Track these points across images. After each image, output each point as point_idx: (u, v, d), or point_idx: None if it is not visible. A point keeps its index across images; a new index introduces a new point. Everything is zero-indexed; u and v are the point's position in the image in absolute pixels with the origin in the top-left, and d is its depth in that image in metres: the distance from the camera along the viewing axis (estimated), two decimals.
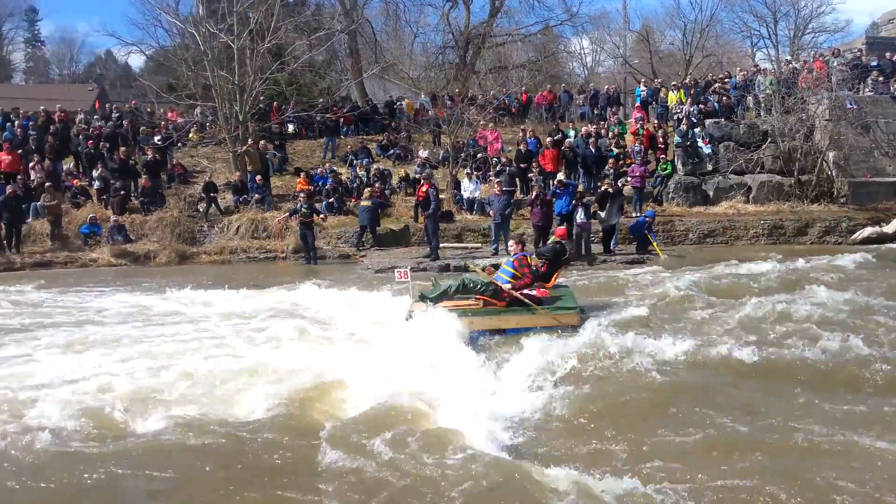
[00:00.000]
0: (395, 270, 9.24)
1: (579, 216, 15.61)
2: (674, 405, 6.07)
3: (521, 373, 7.05)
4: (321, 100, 24.92)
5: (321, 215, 17.65)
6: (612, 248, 16.41)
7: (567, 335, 8.02)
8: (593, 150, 19.66)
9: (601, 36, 42.03)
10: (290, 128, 24.41)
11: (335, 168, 21.24)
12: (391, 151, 22.93)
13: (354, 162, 21.58)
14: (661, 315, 9.45)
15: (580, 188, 16.89)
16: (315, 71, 28.39)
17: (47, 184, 18.56)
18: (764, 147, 20.11)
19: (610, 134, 21.21)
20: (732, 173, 19.90)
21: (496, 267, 9.50)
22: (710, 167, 20.08)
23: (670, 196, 19.69)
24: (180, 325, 9.73)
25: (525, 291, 8.85)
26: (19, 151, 20.28)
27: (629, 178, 18.74)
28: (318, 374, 6.91)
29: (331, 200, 19.38)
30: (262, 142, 21.15)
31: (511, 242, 9.76)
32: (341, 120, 24.53)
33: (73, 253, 17.55)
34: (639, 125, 21.53)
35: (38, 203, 18.42)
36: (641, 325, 8.70)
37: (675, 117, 22.06)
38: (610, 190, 16.24)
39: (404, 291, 10.00)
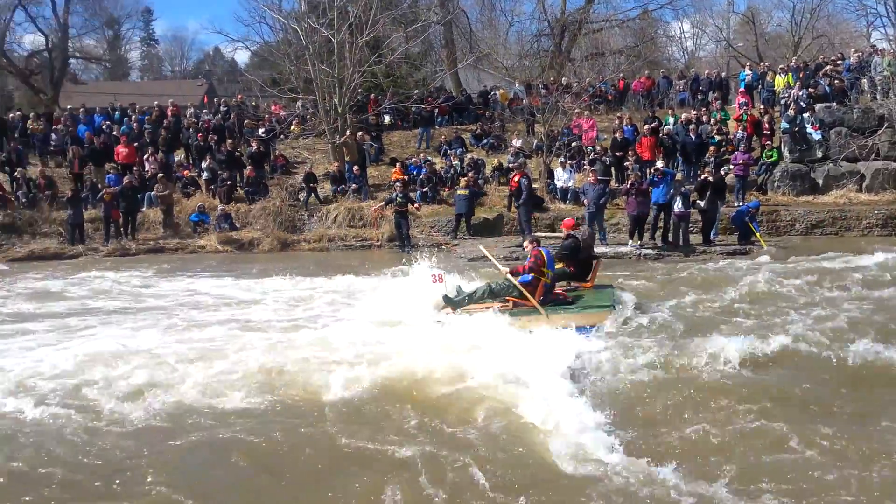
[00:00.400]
0: (431, 274, 9.08)
1: (677, 205, 15.21)
2: (765, 408, 5.79)
3: (598, 365, 6.97)
4: (416, 91, 25.25)
5: (415, 204, 17.93)
6: (711, 238, 15.90)
7: (644, 330, 7.85)
8: (693, 138, 19.04)
9: (703, 19, 40.54)
10: (387, 119, 24.87)
11: (429, 158, 21.51)
12: (485, 141, 22.99)
13: (448, 152, 21.79)
14: (759, 309, 9.08)
15: (678, 177, 16.44)
16: (411, 62, 28.76)
17: (160, 175, 19.70)
18: (880, 132, 18.91)
19: (711, 120, 20.48)
20: (844, 160, 18.84)
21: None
22: (819, 154, 19.07)
23: (776, 185, 18.85)
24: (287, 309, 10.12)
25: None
26: (135, 144, 21.57)
27: (732, 166, 18.07)
28: (396, 362, 7.01)
29: (425, 190, 19.65)
30: (359, 133, 21.67)
31: (525, 242, 9.29)
32: (436, 110, 24.78)
33: (184, 240, 18.56)
34: (742, 111, 20.67)
35: (152, 193, 19.57)
36: (736, 320, 8.42)
37: (783, 102, 21.04)
38: (710, 178, 15.73)
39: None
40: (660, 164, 16.81)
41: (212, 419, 5.86)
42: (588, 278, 9.58)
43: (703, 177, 16.08)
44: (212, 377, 6.70)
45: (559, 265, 9.29)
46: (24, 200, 19.78)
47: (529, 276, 8.58)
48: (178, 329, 8.94)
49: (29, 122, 23.48)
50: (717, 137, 19.36)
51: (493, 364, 6.81)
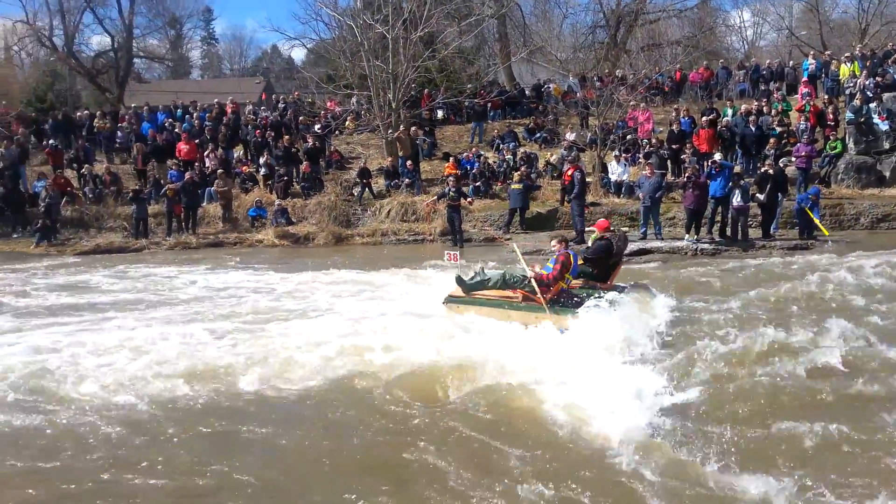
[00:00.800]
0: (445, 252, 9.21)
1: (736, 199, 14.87)
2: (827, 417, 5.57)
3: (663, 365, 6.87)
4: (469, 85, 25.27)
5: (468, 199, 17.98)
6: (771, 232, 15.51)
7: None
8: (753, 129, 18.57)
9: (764, 7, 39.49)
10: (440, 114, 24.98)
11: (482, 152, 21.52)
12: (538, 135, 22.87)
13: (501, 146, 21.76)
14: (818, 308, 8.80)
15: (737, 169, 16.05)
16: (464, 57, 28.80)
17: (220, 171, 20.22)
18: None
19: (772, 111, 19.93)
20: None
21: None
22: (886, 145, 18.36)
23: (840, 177, 18.25)
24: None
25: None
26: (196, 141, 22.18)
27: (794, 158, 17.57)
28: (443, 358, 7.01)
29: (477, 184, 19.68)
30: (412, 128, 21.83)
31: (553, 242, 8.99)
32: (489, 105, 24.76)
33: (242, 234, 19.02)
34: (805, 101, 20.05)
35: (212, 188, 20.10)
36: (793, 318, 8.19)
37: (848, 92, 20.34)
38: (770, 171, 15.33)
39: None
40: (718, 156, 16.45)
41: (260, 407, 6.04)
42: (608, 280, 9.43)
43: (763, 169, 15.68)
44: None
45: (581, 263, 9.16)
46: (90, 196, 20.58)
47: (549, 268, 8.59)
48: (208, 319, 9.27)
49: (95, 120, 24.40)
50: (778, 129, 18.85)
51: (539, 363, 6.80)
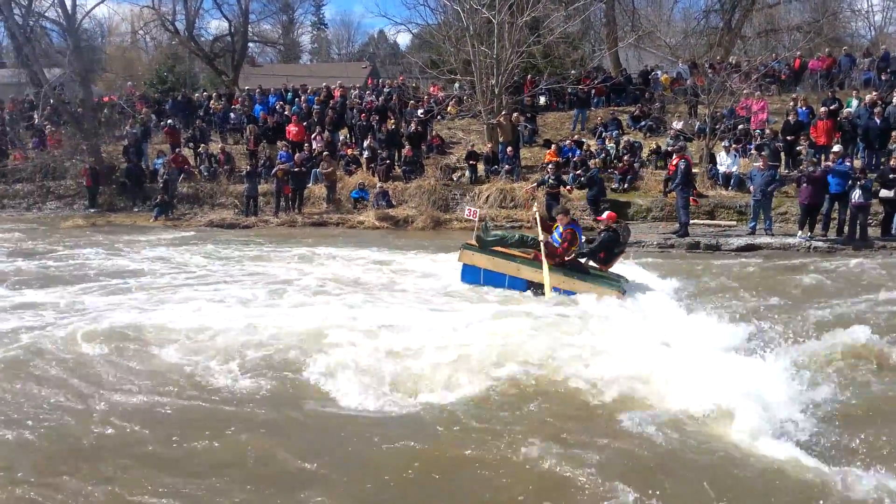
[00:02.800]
0: (466, 208, 10.75)
1: (856, 196, 14.02)
2: None
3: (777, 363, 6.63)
4: (573, 71, 24.85)
5: (567, 186, 17.75)
6: (893, 232, 14.52)
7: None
8: (878, 122, 17.37)
9: None
10: (542, 100, 24.71)
11: (584, 140, 21.16)
12: (643, 123, 22.27)
13: (604, 134, 21.33)
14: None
15: (858, 164, 15.09)
16: (569, 42, 28.30)
17: (325, 153, 20.81)
18: None
19: None
20: None
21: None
22: None
23: None
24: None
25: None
26: (304, 124, 22.91)
27: None
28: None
29: (578, 172, 19.39)
30: (514, 114, 21.71)
31: (560, 215, 10.09)
32: (592, 91, 24.28)
33: (344, 215, 19.53)
34: None
35: (318, 170, 20.72)
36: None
37: None
38: (894, 164, 14.33)
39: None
40: (837, 147, 15.52)
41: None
42: (608, 265, 10.23)
43: (892, 163, 14.65)
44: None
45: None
46: (205, 174, 21.67)
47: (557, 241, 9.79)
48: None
49: (211, 101, 25.60)
50: None
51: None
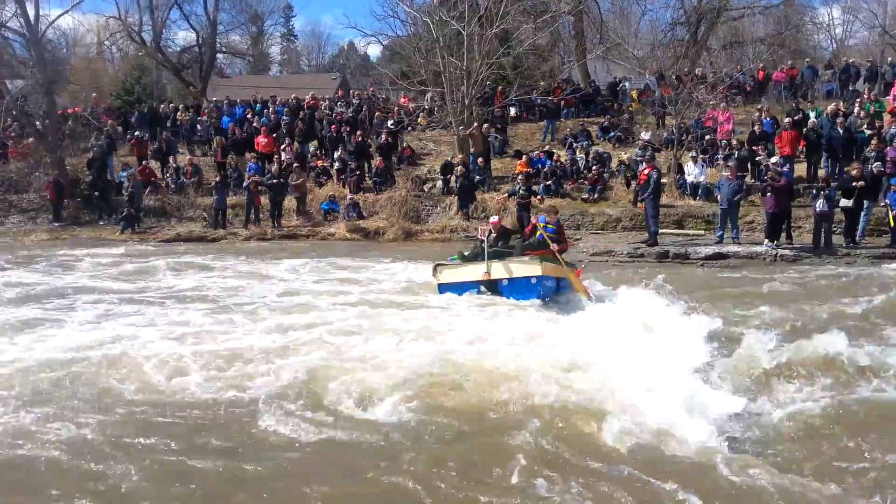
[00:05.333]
0: (478, 228, 10.86)
1: (819, 204, 14.25)
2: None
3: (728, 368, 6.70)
4: (543, 83, 25.01)
5: (538, 197, 17.80)
6: (857, 240, 14.78)
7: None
8: (841, 132, 17.71)
9: (855, 4, 37.68)
10: (512, 111, 24.83)
11: (554, 151, 21.29)
12: (612, 134, 22.48)
13: (574, 144, 21.48)
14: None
15: (822, 174, 15.33)
16: (539, 54, 28.51)
17: (295, 164, 20.64)
18: None
19: (862, 113, 18.98)
20: None
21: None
22: None
23: None
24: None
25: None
26: (274, 135, 22.71)
27: (887, 162, 16.63)
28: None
29: (548, 183, 19.48)
30: (485, 125, 21.77)
31: (547, 215, 10.96)
32: (562, 102, 24.46)
33: (315, 227, 19.38)
34: None
35: (288, 181, 20.54)
36: (866, 334, 7.86)
37: None
38: (853, 173, 14.59)
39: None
40: (774, 159, 15.83)
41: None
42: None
43: (852, 173, 14.92)
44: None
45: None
46: (172, 186, 21.35)
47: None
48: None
49: (179, 113, 25.29)
50: (868, 132, 17.92)
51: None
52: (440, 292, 10.10)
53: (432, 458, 5.05)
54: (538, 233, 10.59)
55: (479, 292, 9.84)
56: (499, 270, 9.74)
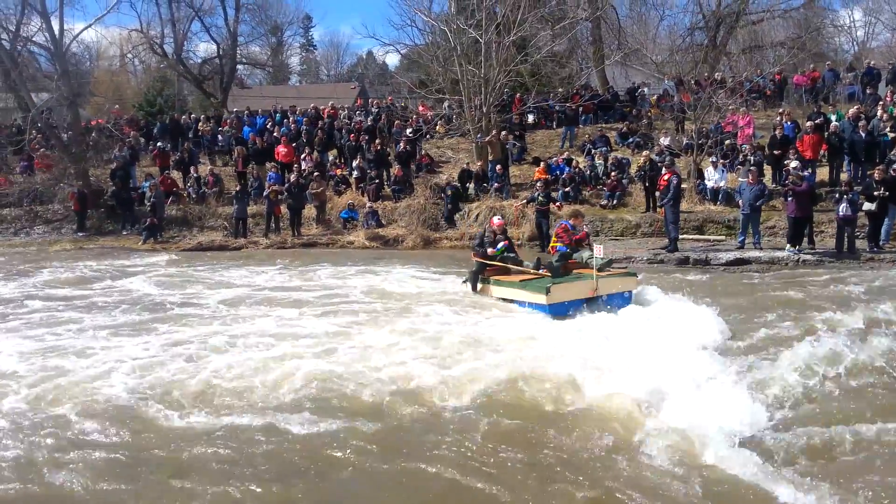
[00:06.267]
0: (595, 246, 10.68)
1: (843, 209, 14.08)
2: None
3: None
4: (561, 89, 25.00)
5: (557, 203, 17.80)
6: (881, 244, 14.57)
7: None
8: (863, 135, 17.49)
9: (877, 6, 37.26)
10: (531, 118, 24.83)
11: (573, 157, 21.26)
12: (630, 140, 22.39)
13: (593, 151, 21.43)
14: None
15: (844, 177, 15.12)
16: (557, 60, 28.50)
17: (315, 173, 20.78)
18: None
19: (885, 116, 18.74)
20: None
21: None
22: None
23: None
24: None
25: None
26: (293, 144, 22.90)
27: None
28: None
29: (567, 189, 19.44)
30: (503, 132, 21.79)
31: (573, 220, 11.35)
32: (580, 109, 24.42)
33: (334, 235, 19.49)
34: None
35: (308, 190, 20.68)
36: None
37: None
38: (877, 177, 14.38)
39: None
40: (794, 164, 15.65)
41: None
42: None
43: (875, 176, 14.72)
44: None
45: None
46: (194, 196, 21.59)
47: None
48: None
49: (200, 124, 25.59)
50: (891, 135, 17.69)
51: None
52: (553, 313, 9.75)
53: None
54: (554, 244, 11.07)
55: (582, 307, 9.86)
56: (604, 286, 10.00)
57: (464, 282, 11.53)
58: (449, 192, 19.74)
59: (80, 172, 22.24)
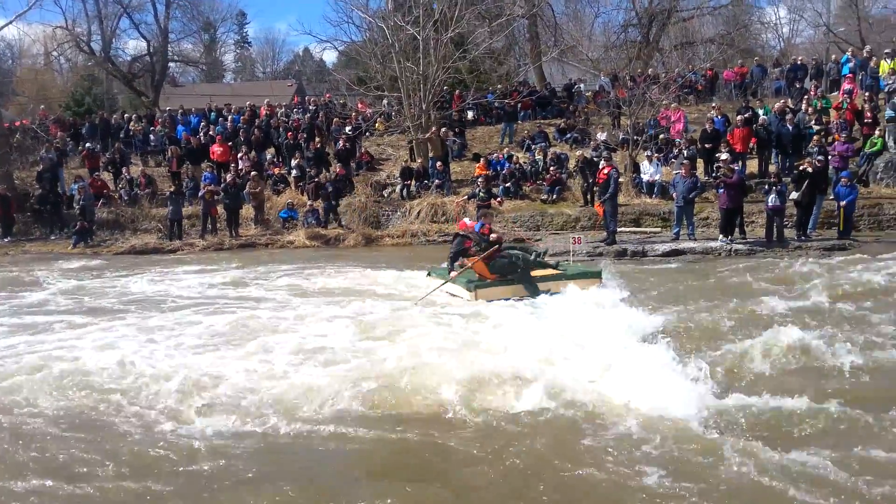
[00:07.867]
0: (571, 237, 11.12)
1: (771, 199, 14.57)
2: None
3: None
4: (500, 86, 25.17)
5: (498, 199, 17.91)
6: (808, 233, 15.15)
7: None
8: (790, 128, 18.15)
9: (801, 3, 38.79)
10: (470, 114, 24.93)
11: (512, 153, 21.43)
12: (568, 135, 22.71)
13: (532, 146, 21.65)
14: (843, 312, 8.70)
15: (772, 169, 15.67)
16: (495, 57, 28.69)
17: (252, 173, 20.39)
18: None
19: (809, 109, 19.48)
20: None
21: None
22: None
23: (878, 176, 17.79)
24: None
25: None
26: (229, 144, 22.42)
27: (829, 157, 17.11)
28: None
29: (507, 185, 19.59)
30: (443, 129, 21.81)
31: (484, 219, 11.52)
32: (519, 105, 24.65)
33: (274, 235, 19.16)
34: (843, 98, 19.54)
35: (245, 190, 20.28)
36: (817, 323, 8.09)
37: (887, 89, 19.80)
38: (809, 169, 14.97)
39: None
40: (725, 157, 16.14)
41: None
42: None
43: (802, 167, 15.30)
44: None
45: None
46: (126, 198, 20.93)
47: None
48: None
49: (131, 123, 24.83)
50: (815, 127, 18.40)
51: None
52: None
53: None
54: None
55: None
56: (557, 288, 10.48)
57: (428, 274, 11.60)
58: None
59: (4, 175, 21.30)
